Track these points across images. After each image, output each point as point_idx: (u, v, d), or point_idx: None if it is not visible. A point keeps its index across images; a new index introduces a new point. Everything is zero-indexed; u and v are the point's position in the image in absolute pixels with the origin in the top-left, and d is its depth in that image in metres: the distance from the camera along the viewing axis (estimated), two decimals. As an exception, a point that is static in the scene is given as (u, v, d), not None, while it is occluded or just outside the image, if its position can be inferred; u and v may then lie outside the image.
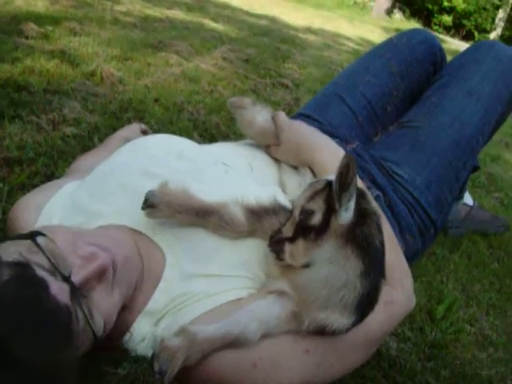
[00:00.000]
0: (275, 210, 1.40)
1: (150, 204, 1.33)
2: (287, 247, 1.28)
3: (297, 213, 1.29)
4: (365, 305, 1.26)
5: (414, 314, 2.34)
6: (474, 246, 3.24)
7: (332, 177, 1.26)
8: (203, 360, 1.21)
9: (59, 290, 1.09)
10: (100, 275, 1.22)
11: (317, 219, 1.24)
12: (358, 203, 1.22)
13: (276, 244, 1.30)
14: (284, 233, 1.30)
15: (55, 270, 1.12)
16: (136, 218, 1.43)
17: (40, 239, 1.17)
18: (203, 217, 1.36)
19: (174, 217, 1.35)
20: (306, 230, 1.25)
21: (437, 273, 2.81)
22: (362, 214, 1.24)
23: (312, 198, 1.28)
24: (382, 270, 1.29)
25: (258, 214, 1.38)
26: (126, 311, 1.34)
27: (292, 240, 1.27)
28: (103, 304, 1.22)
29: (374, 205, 1.34)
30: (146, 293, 1.37)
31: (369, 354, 1.51)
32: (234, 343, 1.22)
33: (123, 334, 1.35)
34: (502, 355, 2.34)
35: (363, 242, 1.22)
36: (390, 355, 2.04)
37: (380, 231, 1.29)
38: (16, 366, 0.97)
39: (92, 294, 1.20)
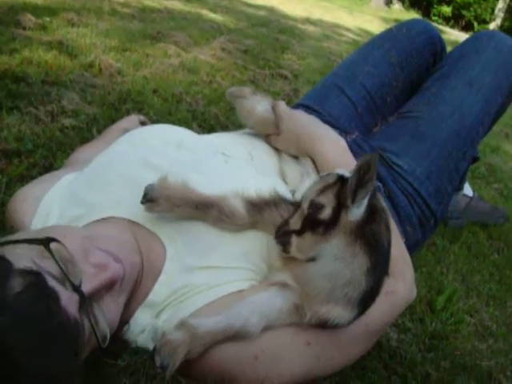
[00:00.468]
0: (276, 201, 1.39)
1: (149, 198, 1.33)
2: (294, 240, 1.27)
3: (306, 206, 1.27)
4: (367, 299, 1.26)
5: (414, 305, 2.34)
6: (473, 237, 3.23)
7: (341, 171, 1.26)
8: (205, 353, 1.21)
9: (69, 301, 1.08)
10: (110, 286, 1.22)
11: (326, 213, 1.23)
12: (368, 200, 1.21)
13: (283, 236, 1.29)
14: (291, 225, 1.29)
15: (65, 279, 1.12)
16: (135, 210, 1.42)
17: (52, 245, 1.15)
18: (203, 210, 1.35)
19: (173, 210, 1.35)
20: (315, 223, 1.24)
21: (437, 264, 2.81)
22: (372, 211, 1.23)
23: (322, 191, 1.27)
24: (386, 268, 1.29)
25: (258, 206, 1.37)
26: (126, 305, 1.34)
27: (300, 233, 1.26)
28: (110, 312, 1.22)
29: (383, 202, 1.33)
30: (146, 286, 1.37)
31: (369, 345, 1.51)
32: (235, 336, 1.22)
33: (123, 325, 1.35)
34: (502, 346, 2.34)
35: (371, 240, 1.22)
36: (390, 346, 2.04)
37: (388, 229, 1.28)
38: (24, 376, 0.96)
39: (100, 303, 1.20)
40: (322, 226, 1.23)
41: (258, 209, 1.37)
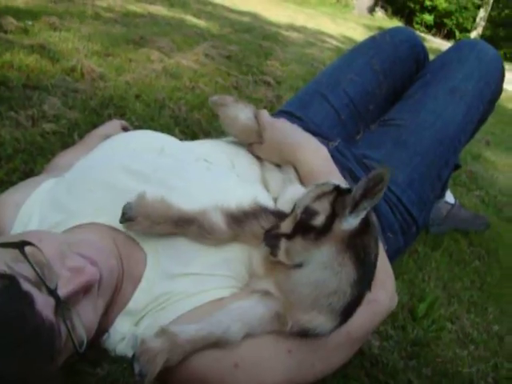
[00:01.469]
0: (256, 212, 1.37)
1: (127, 217, 1.31)
2: (283, 243, 1.25)
3: (299, 211, 1.26)
4: (349, 310, 1.25)
5: (396, 313, 2.35)
6: (455, 244, 3.25)
7: (337, 181, 1.26)
8: (184, 360, 1.19)
9: (44, 304, 1.05)
10: (87, 290, 1.20)
11: (320, 220, 1.22)
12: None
13: (272, 238, 1.27)
14: (282, 228, 1.28)
15: (41, 282, 1.10)
16: (116, 216, 1.40)
17: (28, 249, 1.13)
18: (183, 226, 1.33)
19: (153, 228, 1.33)
20: (307, 229, 1.23)
21: (418, 271, 2.82)
22: (365, 224, 1.22)
23: (318, 198, 1.25)
24: (370, 281, 1.28)
25: (238, 219, 1.35)
26: (106, 312, 1.32)
27: (290, 237, 1.24)
28: (87, 317, 1.20)
29: (374, 217, 1.32)
30: (126, 293, 1.35)
31: (351, 353, 1.50)
32: (215, 344, 1.21)
33: (102, 333, 1.33)
34: (483, 353, 2.35)
35: (361, 252, 1.21)
36: (372, 354, 2.05)
37: (377, 244, 1.28)
38: None
39: (76, 307, 1.18)
40: (314, 233, 1.22)
41: (239, 221, 1.35)
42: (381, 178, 1.12)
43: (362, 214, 1.19)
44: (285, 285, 1.27)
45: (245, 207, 1.38)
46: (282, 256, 1.26)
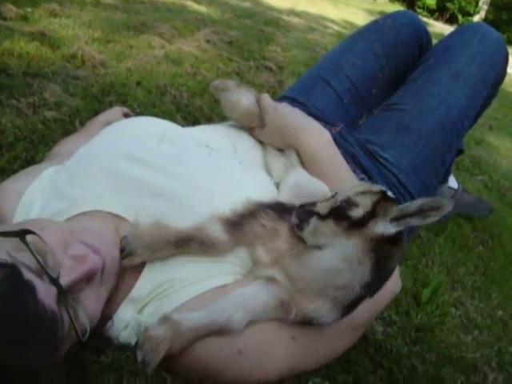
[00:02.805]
0: (253, 212, 1.36)
1: (127, 253, 1.29)
2: (314, 221, 1.24)
3: (340, 198, 1.26)
4: (352, 306, 1.25)
5: (400, 298, 2.35)
6: (458, 229, 3.25)
7: (384, 188, 1.26)
8: (188, 348, 1.19)
9: (46, 293, 1.05)
10: (89, 278, 1.19)
11: (357, 213, 1.21)
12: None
13: (304, 213, 1.27)
14: (318, 208, 1.27)
15: (43, 271, 1.09)
16: (117, 203, 1.40)
17: (29, 237, 1.12)
18: (183, 247, 1.31)
19: (155, 256, 1.31)
20: (342, 217, 1.22)
21: (422, 256, 2.81)
22: (398, 236, 1.21)
23: (362, 194, 1.25)
24: (378, 290, 1.28)
25: (237, 223, 1.33)
26: (110, 300, 1.32)
27: (323, 218, 1.24)
28: (90, 305, 1.19)
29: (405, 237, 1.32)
30: (129, 280, 1.34)
31: (355, 338, 1.50)
32: (218, 331, 1.20)
33: (105, 321, 1.33)
34: (487, 338, 2.35)
35: (383, 259, 1.21)
36: (376, 339, 2.04)
37: (399, 259, 1.28)
38: (0, 371, 0.94)
39: (79, 296, 1.17)
40: (347, 222, 1.21)
41: (238, 225, 1.33)
42: (439, 207, 1.11)
43: (402, 227, 1.18)
44: (295, 269, 1.26)
45: (240, 209, 1.36)
46: (307, 232, 1.25)
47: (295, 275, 1.26)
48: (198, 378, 1.28)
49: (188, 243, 1.30)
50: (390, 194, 1.26)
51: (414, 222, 1.15)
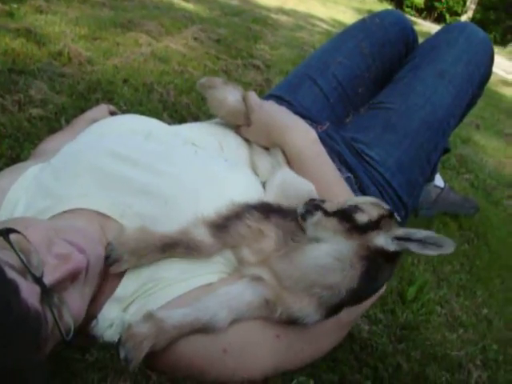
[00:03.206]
0: (238, 214, 1.36)
1: (113, 260, 1.28)
2: (319, 215, 1.28)
3: (349, 203, 1.30)
4: (335, 310, 1.26)
5: (386, 296, 2.36)
6: (444, 228, 3.27)
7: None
8: (172, 347, 1.19)
9: (30, 292, 1.03)
10: (74, 277, 1.18)
11: (362, 218, 1.24)
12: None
13: (313, 206, 1.31)
14: (326, 205, 1.31)
15: (26, 270, 1.08)
16: (103, 201, 1.40)
17: (13, 236, 1.11)
18: (169, 251, 1.31)
19: (141, 261, 1.30)
20: (346, 218, 1.26)
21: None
22: (394, 256, 1.24)
23: (372, 205, 1.29)
24: (360, 301, 1.31)
25: (222, 226, 1.34)
26: (94, 299, 1.31)
27: (328, 214, 1.28)
28: (74, 304, 1.18)
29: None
30: (113, 279, 1.34)
31: (341, 337, 1.51)
32: (202, 330, 1.20)
33: (90, 320, 1.32)
34: (472, 336, 2.37)
35: (374, 271, 1.23)
36: (361, 338, 2.05)
37: (389, 277, 1.31)
38: None
39: (63, 295, 1.16)
40: (350, 225, 1.24)
41: (223, 228, 1.33)
42: (441, 246, 1.15)
43: (401, 248, 1.20)
44: (283, 267, 1.27)
45: (225, 211, 1.36)
46: (309, 223, 1.29)
47: (283, 273, 1.26)
48: (183, 377, 1.28)
49: (174, 247, 1.30)
50: (397, 217, 1.29)
51: (413, 247, 1.18)
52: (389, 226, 1.23)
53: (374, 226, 1.23)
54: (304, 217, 1.30)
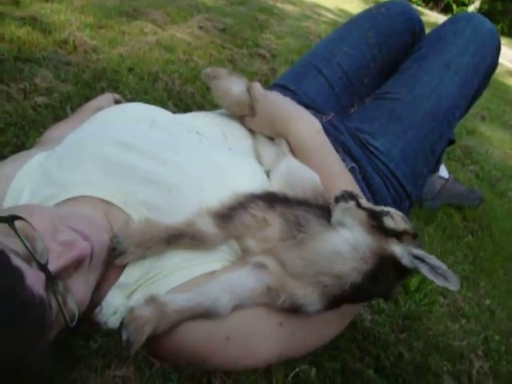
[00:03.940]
0: (243, 203, 1.36)
1: (119, 252, 1.28)
2: (351, 203, 1.33)
3: (381, 208, 1.35)
4: (335, 302, 1.28)
5: (389, 286, 2.36)
6: (448, 219, 3.26)
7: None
8: (174, 333, 1.20)
9: (34, 279, 1.04)
10: (78, 264, 1.19)
11: (389, 223, 1.29)
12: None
13: (349, 194, 1.36)
14: (361, 199, 1.37)
15: (31, 257, 1.09)
16: (107, 188, 1.40)
17: (18, 223, 1.12)
18: (174, 242, 1.31)
19: (146, 253, 1.31)
20: (374, 216, 1.30)
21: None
22: (403, 270, 1.26)
23: (402, 218, 1.32)
24: (356, 301, 1.37)
25: (226, 216, 1.34)
26: (98, 286, 1.32)
27: (360, 207, 1.33)
28: (78, 291, 1.19)
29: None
30: (117, 267, 1.34)
31: (343, 326, 1.51)
32: (204, 315, 1.21)
33: (94, 307, 1.33)
34: (474, 326, 2.37)
35: (379, 273, 1.25)
36: (364, 327, 2.06)
37: (392, 289, 1.34)
38: None
39: (67, 282, 1.17)
40: (376, 224, 1.28)
41: (227, 218, 1.34)
42: (447, 279, 1.19)
43: (411, 265, 1.23)
44: (292, 253, 1.28)
45: (230, 201, 1.37)
46: (340, 207, 1.34)
47: (291, 259, 1.27)
48: (186, 364, 1.29)
49: (179, 239, 1.30)
50: (418, 242, 1.33)
51: (423, 269, 1.21)
52: (409, 242, 1.27)
53: (397, 235, 1.27)
54: (338, 200, 1.35)
